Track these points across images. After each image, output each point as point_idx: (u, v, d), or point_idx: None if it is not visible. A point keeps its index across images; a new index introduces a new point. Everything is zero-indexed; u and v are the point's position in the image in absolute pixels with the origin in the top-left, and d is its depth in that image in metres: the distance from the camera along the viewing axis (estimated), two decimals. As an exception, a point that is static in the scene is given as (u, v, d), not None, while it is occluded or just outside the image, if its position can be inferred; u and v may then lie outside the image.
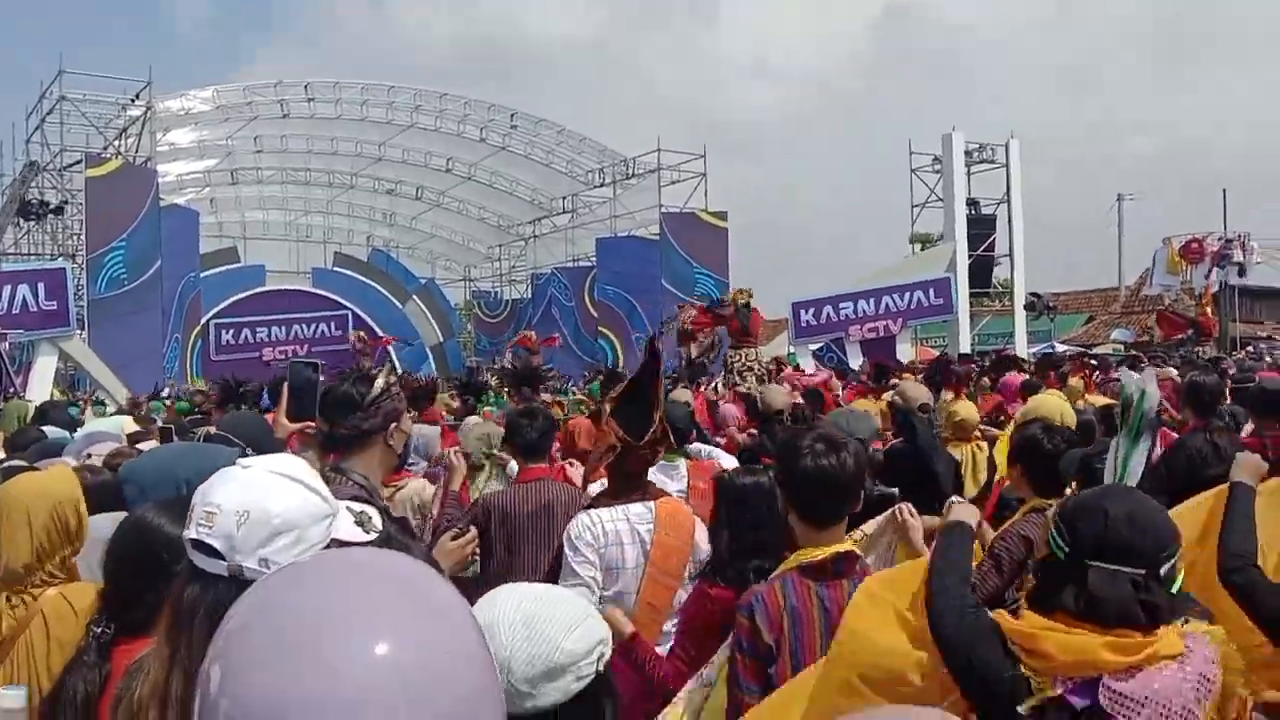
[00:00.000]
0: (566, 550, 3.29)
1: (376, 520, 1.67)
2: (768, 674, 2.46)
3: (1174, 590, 1.84)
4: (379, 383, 2.82)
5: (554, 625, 1.37)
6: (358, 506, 1.68)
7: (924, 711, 0.98)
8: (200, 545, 1.44)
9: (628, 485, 3.35)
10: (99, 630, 1.85)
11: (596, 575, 3.22)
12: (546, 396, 10.69)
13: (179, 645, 1.40)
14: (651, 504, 3.33)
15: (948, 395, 7.50)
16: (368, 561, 1.00)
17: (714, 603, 2.97)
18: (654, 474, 4.39)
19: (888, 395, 7.29)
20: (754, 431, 6.38)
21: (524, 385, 8.27)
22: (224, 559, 1.42)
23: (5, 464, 3.97)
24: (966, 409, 6.40)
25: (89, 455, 3.90)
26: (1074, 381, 9.39)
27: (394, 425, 2.86)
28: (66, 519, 2.40)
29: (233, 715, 0.82)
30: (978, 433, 6.13)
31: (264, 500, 1.44)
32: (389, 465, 2.99)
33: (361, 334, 25.23)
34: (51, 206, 22.77)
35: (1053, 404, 5.07)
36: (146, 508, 1.98)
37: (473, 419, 6.65)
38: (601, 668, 1.39)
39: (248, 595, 0.93)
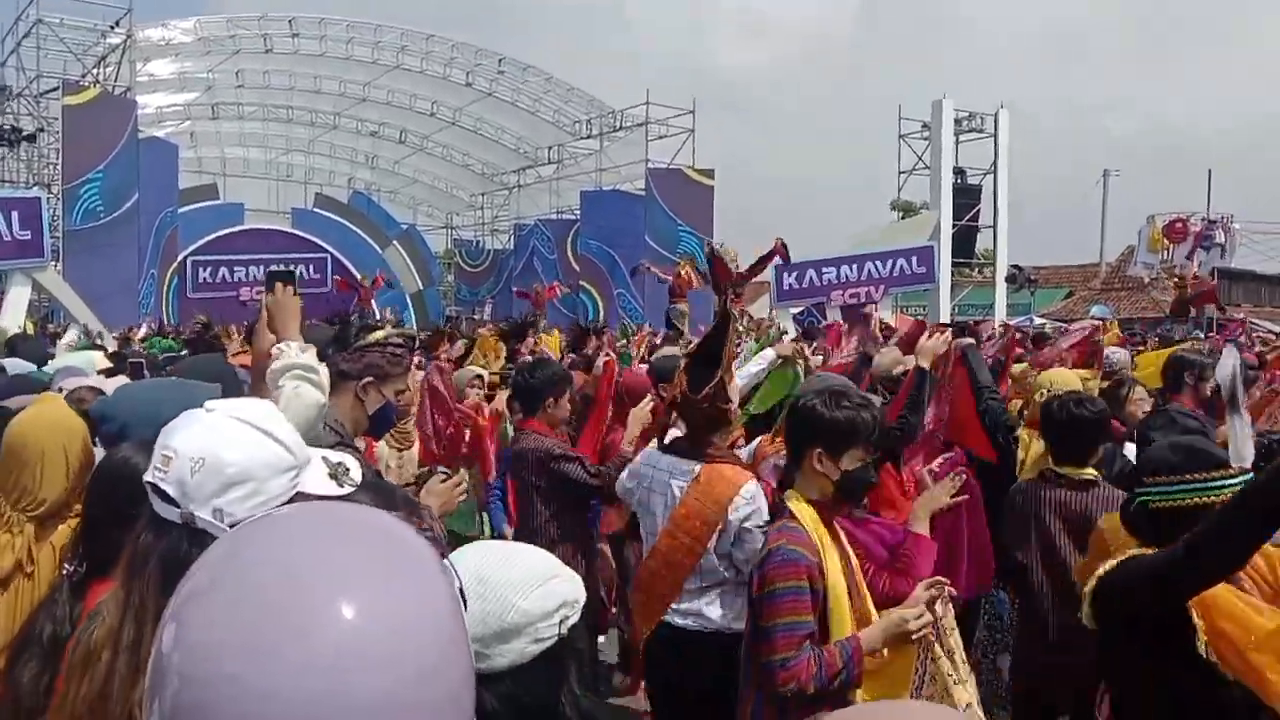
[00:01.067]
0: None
1: (355, 473, 1.62)
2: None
3: None
4: (377, 334, 2.76)
5: (509, 585, 1.32)
6: (335, 457, 1.62)
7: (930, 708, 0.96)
8: (157, 490, 1.40)
9: (701, 441, 3.43)
10: (70, 570, 1.81)
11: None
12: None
13: (133, 592, 1.37)
14: (697, 466, 3.35)
15: None
16: (336, 517, 0.95)
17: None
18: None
19: None
20: None
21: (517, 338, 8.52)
22: (177, 505, 1.37)
23: None
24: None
25: (60, 390, 3.81)
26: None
27: (370, 380, 2.75)
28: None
29: (186, 678, 0.77)
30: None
31: (221, 448, 1.38)
32: (359, 421, 2.84)
33: (365, 278, 24.73)
34: (25, 133, 22.28)
35: (1071, 377, 4.99)
36: (126, 446, 1.93)
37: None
38: (565, 631, 1.34)
39: (209, 552, 0.88)
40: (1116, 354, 6.96)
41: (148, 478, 1.42)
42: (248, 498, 1.37)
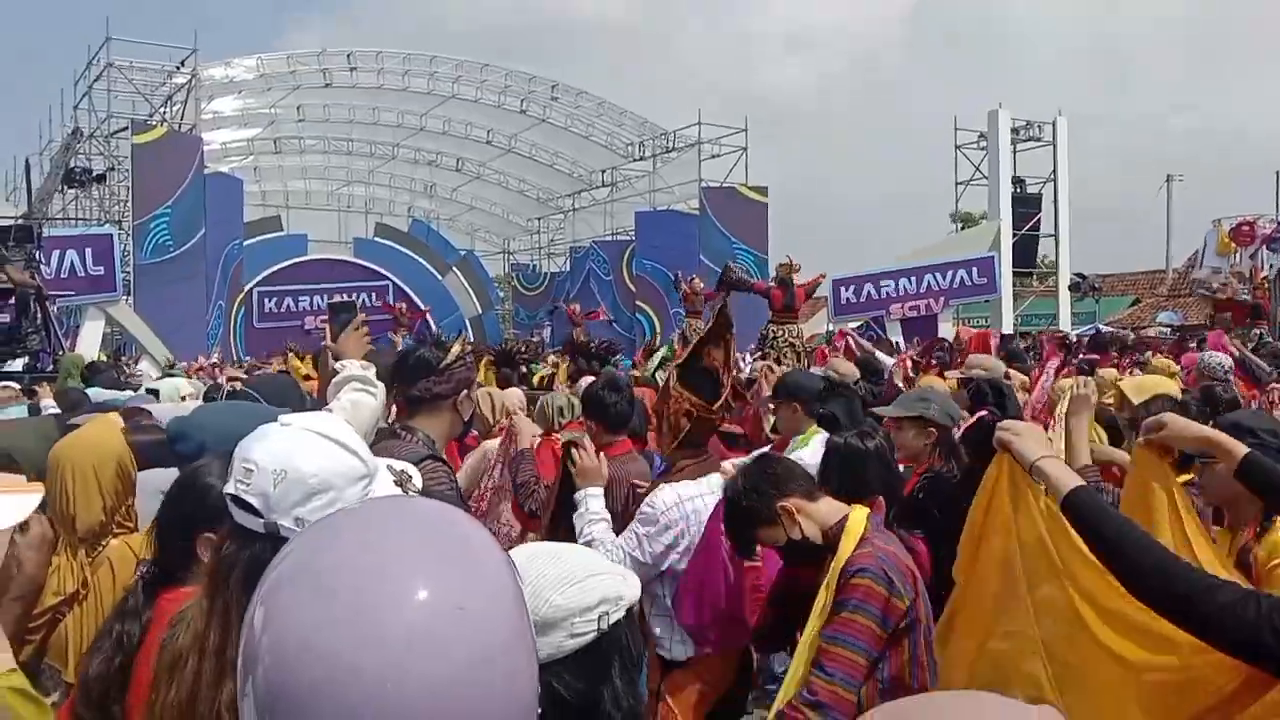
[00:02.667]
0: (638, 520, 3.19)
1: (417, 480, 1.68)
2: (889, 638, 2.35)
3: None
4: (454, 350, 2.97)
5: (544, 580, 1.36)
6: (399, 465, 1.68)
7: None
8: (239, 501, 1.46)
9: (697, 458, 3.30)
10: (145, 575, 1.88)
11: (653, 551, 3.12)
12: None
13: (218, 598, 1.42)
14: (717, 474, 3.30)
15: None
16: (408, 509, 1.01)
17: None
18: (814, 448, 4.41)
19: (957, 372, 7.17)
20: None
21: (584, 357, 8.58)
22: (261, 516, 1.43)
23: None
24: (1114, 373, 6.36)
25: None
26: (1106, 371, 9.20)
27: (464, 392, 2.97)
28: (128, 469, 2.45)
29: (276, 655, 0.83)
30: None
31: (301, 460, 1.44)
32: (455, 430, 3.09)
33: (402, 306, 25.36)
34: (95, 174, 22.96)
35: (1166, 382, 4.91)
36: (205, 460, 2.00)
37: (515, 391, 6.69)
38: (605, 627, 1.37)
39: (291, 543, 0.94)
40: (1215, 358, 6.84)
41: (228, 489, 1.48)
42: (327, 506, 1.42)
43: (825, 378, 5.80)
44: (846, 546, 2.45)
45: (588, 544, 3.12)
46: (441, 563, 0.88)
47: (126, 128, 21.83)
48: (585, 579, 1.40)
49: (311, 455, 1.46)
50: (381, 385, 2.76)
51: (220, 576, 1.44)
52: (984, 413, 3.75)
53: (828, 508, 2.58)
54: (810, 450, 4.38)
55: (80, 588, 2.39)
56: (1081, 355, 10.04)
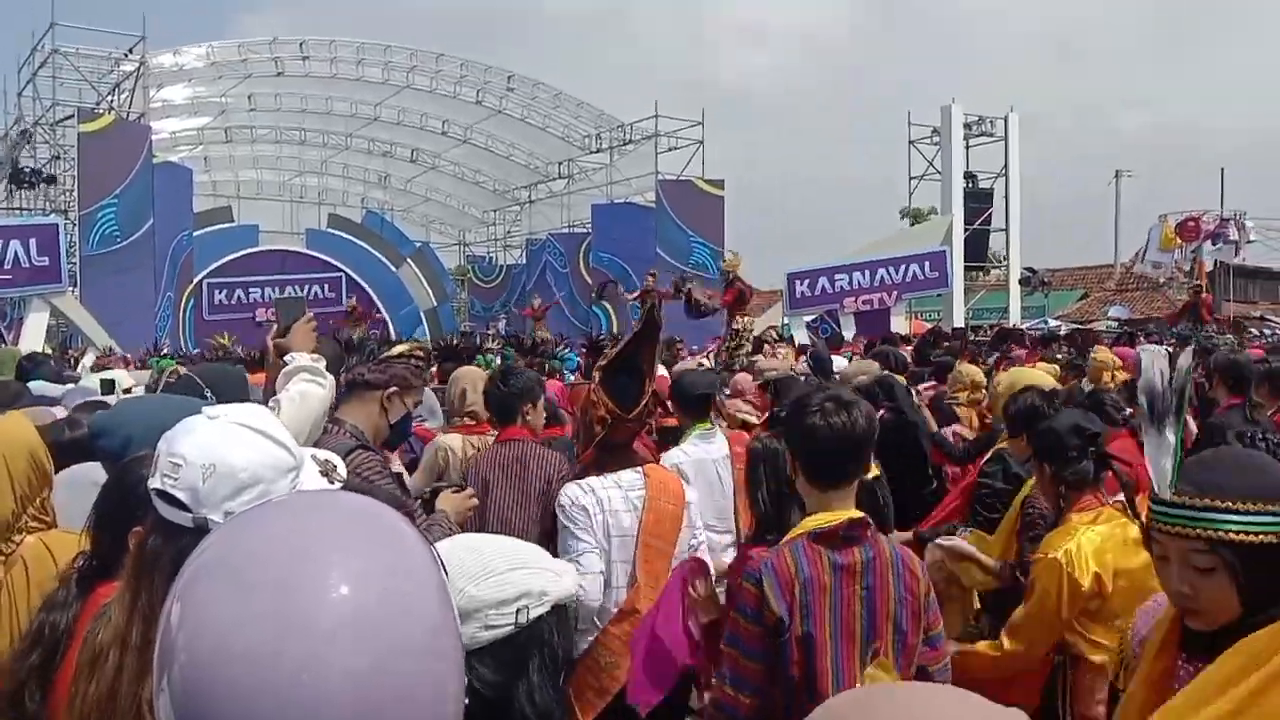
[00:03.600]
0: (562, 521, 3.18)
1: (341, 469, 1.67)
2: (776, 643, 2.39)
3: None
4: (400, 347, 2.87)
5: (461, 570, 1.35)
6: (323, 455, 1.67)
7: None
8: (165, 496, 1.43)
9: (614, 459, 3.25)
10: (80, 568, 1.85)
11: (598, 540, 3.12)
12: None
13: (140, 592, 1.40)
14: (641, 470, 3.27)
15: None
16: (328, 501, 1.00)
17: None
18: (694, 443, 4.40)
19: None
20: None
21: (528, 354, 8.55)
22: (189, 510, 1.41)
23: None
24: (975, 371, 6.47)
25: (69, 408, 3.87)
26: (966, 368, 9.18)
27: (395, 390, 2.85)
28: (42, 461, 2.41)
29: (192, 652, 0.82)
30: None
31: (230, 454, 1.42)
32: (380, 429, 2.91)
33: (354, 300, 25.08)
34: (45, 175, 22.39)
35: (1037, 375, 4.99)
36: (137, 455, 1.97)
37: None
38: (525, 621, 1.36)
39: (209, 537, 0.93)
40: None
41: (154, 484, 1.46)
42: (258, 499, 1.40)
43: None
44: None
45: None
46: (364, 554, 0.87)
47: (73, 116, 21.40)
48: (506, 572, 1.39)
49: (240, 449, 1.44)
50: (330, 376, 2.71)
51: (143, 571, 1.42)
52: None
53: None
54: (680, 448, 4.43)
55: None
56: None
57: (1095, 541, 2.86)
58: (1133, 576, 2.79)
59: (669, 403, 4.67)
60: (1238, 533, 1.59)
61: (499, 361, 8.94)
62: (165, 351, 17.46)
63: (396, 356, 2.88)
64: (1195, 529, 1.63)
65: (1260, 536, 1.59)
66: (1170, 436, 1.71)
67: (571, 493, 3.20)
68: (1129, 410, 5.09)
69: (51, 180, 22.09)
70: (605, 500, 3.17)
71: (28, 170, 22.15)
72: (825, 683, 2.38)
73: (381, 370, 2.84)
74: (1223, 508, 1.61)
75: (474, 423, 4.64)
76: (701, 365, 10.88)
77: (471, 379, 4.80)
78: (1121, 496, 2.83)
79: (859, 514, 2.51)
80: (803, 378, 6.99)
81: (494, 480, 3.79)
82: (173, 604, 0.86)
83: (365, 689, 0.81)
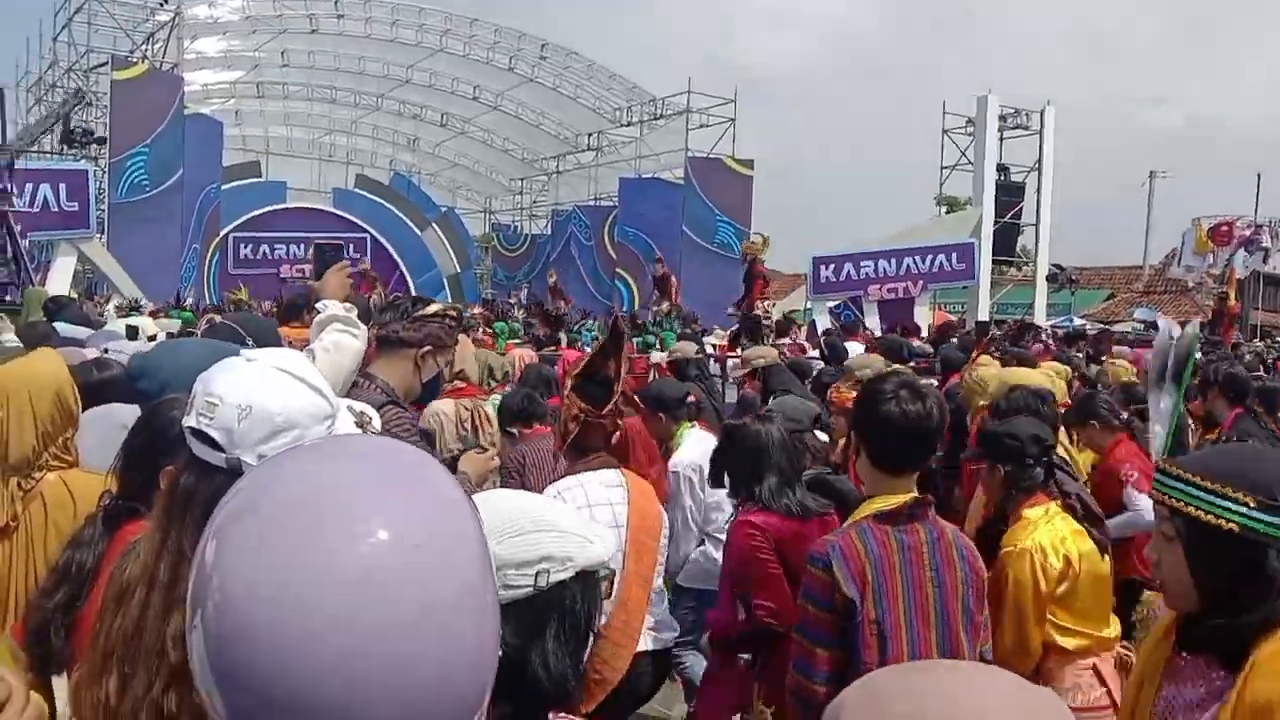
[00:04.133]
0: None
1: (376, 422, 1.66)
2: (848, 627, 2.39)
3: None
4: (434, 306, 2.85)
5: (486, 527, 1.33)
6: (358, 406, 1.66)
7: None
8: (200, 435, 1.42)
9: (590, 454, 3.30)
10: (107, 506, 1.85)
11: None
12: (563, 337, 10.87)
13: (170, 530, 1.40)
14: (619, 470, 3.31)
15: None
16: (369, 447, 0.98)
17: (763, 532, 3.07)
18: (691, 443, 4.48)
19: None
20: None
21: (549, 326, 8.78)
22: (223, 451, 1.39)
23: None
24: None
25: (105, 350, 3.89)
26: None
27: (429, 349, 2.85)
28: (68, 401, 2.41)
29: (226, 593, 0.80)
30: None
31: (267, 397, 1.41)
32: (413, 387, 2.91)
33: (368, 265, 25.01)
34: (95, 136, 22.14)
35: (1022, 374, 4.96)
36: (169, 397, 1.96)
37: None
38: (545, 585, 1.33)
39: (247, 477, 0.92)
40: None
41: (189, 423, 1.45)
42: (292, 445, 1.39)
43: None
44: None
45: None
46: (400, 501, 0.85)
47: (106, 63, 21.42)
48: (531, 533, 1.36)
49: (277, 392, 1.43)
50: (363, 326, 2.70)
51: (174, 510, 1.41)
52: None
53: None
54: (687, 446, 4.53)
55: (10, 520, 2.35)
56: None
57: (1055, 530, 3.05)
58: (1090, 560, 3.02)
59: (656, 414, 4.82)
60: (1192, 507, 1.67)
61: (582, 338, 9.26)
62: (188, 302, 17.56)
63: (431, 315, 2.85)
64: (1164, 495, 1.73)
65: (1209, 517, 1.65)
66: (1168, 404, 1.79)
67: (560, 486, 3.26)
68: (1124, 414, 5.07)
69: (102, 142, 21.95)
70: (591, 495, 3.23)
71: (79, 130, 22.08)
72: (902, 659, 2.36)
73: (416, 328, 2.82)
74: (1188, 480, 1.69)
75: (464, 385, 4.72)
76: (714, 346, 10.94)
77: (460, 345, 4.86)
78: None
79: (921, 495, 2.53)
80: (818, 363, 7.00)
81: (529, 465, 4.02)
82: (208, 543, 0.84)
83: (400, 639, 0.79)
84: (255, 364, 1.47)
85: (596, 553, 1.40)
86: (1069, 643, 2.97)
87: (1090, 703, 2.92)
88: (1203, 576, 1.67)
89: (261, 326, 3.21)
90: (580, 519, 1.48)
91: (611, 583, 1.43)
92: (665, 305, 17.11)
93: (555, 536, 1.37)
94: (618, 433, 3.35)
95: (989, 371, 5.26)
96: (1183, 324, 1.78)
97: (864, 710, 0.88)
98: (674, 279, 19.58)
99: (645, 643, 3.17)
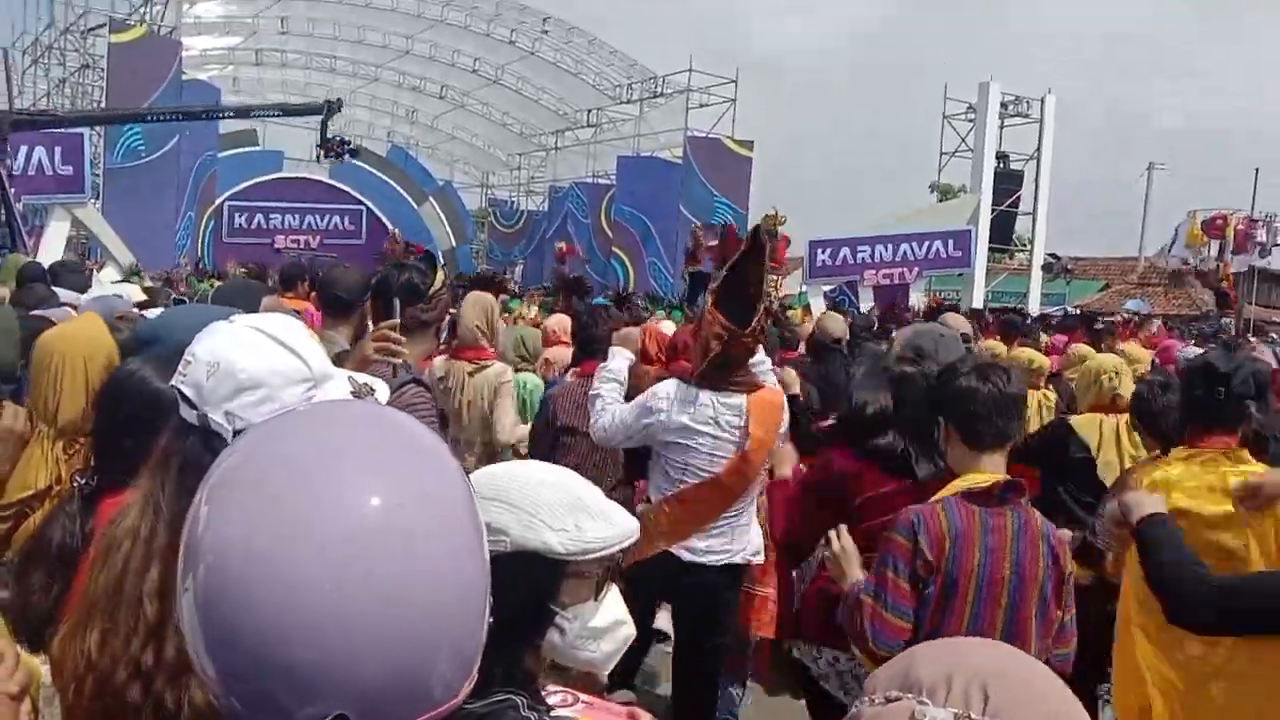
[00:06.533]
0: (645, 398, 3.46)
1: (381, 394, 1.65)
2: (923, 596, 2.42)
3: None
4: (439, 276, 2.98)
5: None
6: (361, 378, 1.65)
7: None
8: (180, 394, 1.44)
9: (726, 376, 3.40)
10: (83, 481, 1.84)
11: (661, 419, 3.40)
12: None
13: (152, 489, 1.41)
14: (744, 398, 3.41)
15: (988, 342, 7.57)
16: (363, 412, 1.00)
17: (838, 474, 3.10)
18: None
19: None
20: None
21: (574, 293, 9.29)
22: (195, 408, 1.41)
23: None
24: (1031, 354, 6.31)
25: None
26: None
27: (447, 317, 3.16)
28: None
29: (218, 555, 0.82)
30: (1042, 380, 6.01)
31: (235, 354, 1.42)
32: (429, 353, 3.27)
33: (397, 235, 24.92)
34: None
35: (1111, 362, 4.90)
36: (134, 360, 1.95)
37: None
38: (495, 550, 1.21)
39: (243, 437, 0.93)
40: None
41: (172, 382, 1.46)
42: (259, 403, 1.39)
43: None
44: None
45: (595, 396, 3.65)
46: (395, 466, 0.87)
47: (104, 25, 21.25)
48: (484, 499, 1.25)
49: (247, 351, 1.43)
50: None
51: (155, 466, 1.43)
52: None
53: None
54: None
55: (54, 483, 2.36)
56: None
57: None
58: None
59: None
60: None
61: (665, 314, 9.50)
62: (206, 273, 17.49)
63: (441, 289, 3.08)
64: None
65: None
66: None
67: (670, 386, 3.47)
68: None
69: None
70: (706, 404, 3.41)
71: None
72: (958, 632, 2.36)
73: (433, 307, 3.07)
74: None
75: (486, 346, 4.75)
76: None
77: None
78: None
79: (1013, 478, 2.51)
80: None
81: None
82: (201, 507, 0.85)
83: (390, 604, 0.81)
84: (234, 325, 1.49)
85: (546, 539, 1.31)
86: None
87: None
88: None
89: (239, 293, 3.31)
90: (559, 504, 1.35)
91: (599, 584, 1.38)
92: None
93: (503, 509, 1.32)
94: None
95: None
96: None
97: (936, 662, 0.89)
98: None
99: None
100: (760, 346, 3.50)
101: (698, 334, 3.41)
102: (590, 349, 4.54)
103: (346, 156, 20.37)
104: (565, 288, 10.93)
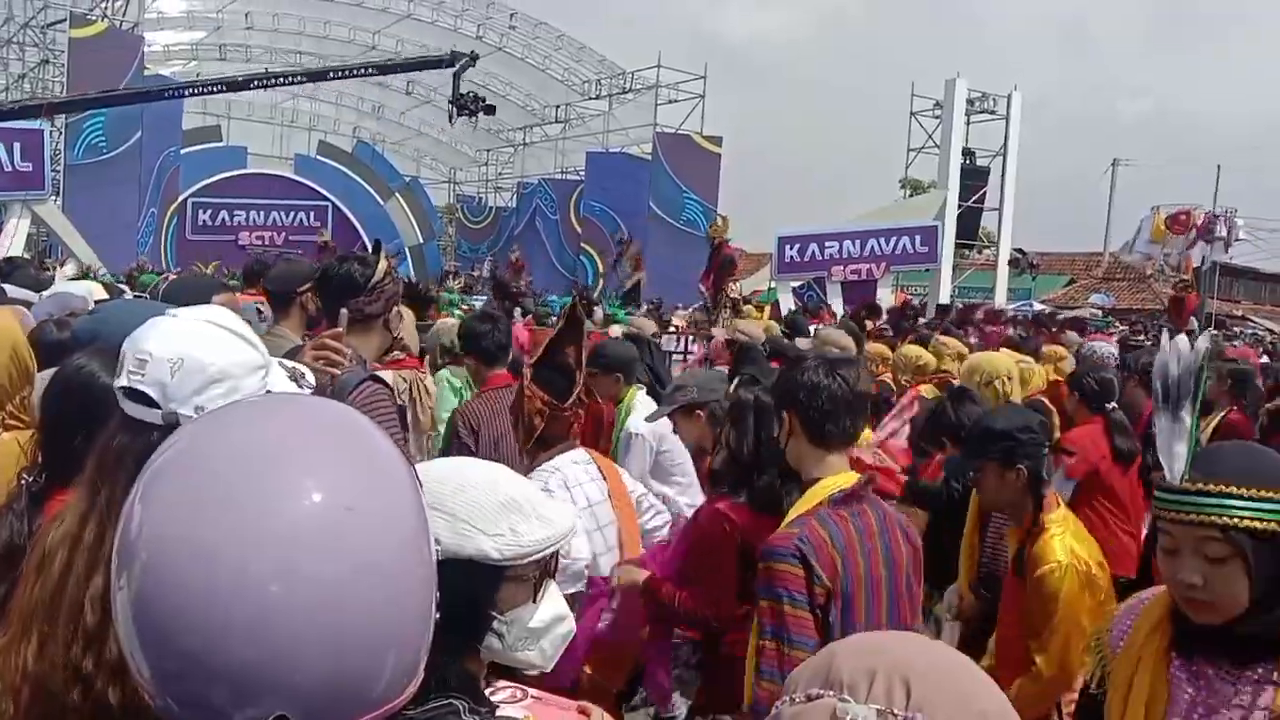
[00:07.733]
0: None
1: (310, 377, 1.65)
2: (827, 623, 2.25)
3: None
4: (381, 266, 2.86)
5: None
6: (290, 363, 1.65)
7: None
8: (132, 394, 1.40)
9: (555, 448, 3.21)
10: (30, 479, 1.79)
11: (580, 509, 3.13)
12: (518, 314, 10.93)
13: (100, 492, 1.37)
14: (580, 447, 3.28)
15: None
16: (304, 406, 0.97)
17: (732, 524, 2.89)
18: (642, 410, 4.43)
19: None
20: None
21: (505, 299, 8.68)
22: (158, 407, 1.38)
23: None
24: (916, 351, 6.46)
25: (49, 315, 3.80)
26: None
27: (395, 309, 2.96)
28: (24, 359, 2.36)
29: (154, 553, 0.79)
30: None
31: (198, 348, 1.41)
32: (383, 347, 3.09)
33: (327, 238, 24.43)
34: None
35: (1002, 363, 4.80)
36: (80, 355, 1.91)
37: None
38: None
39: (176, 434, 0.90)
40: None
41: (120, 383, 1.43)
42: (226, 395, 1.38)
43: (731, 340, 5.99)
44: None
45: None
46: (338, 461, 0.85)
47: (64, 19, 20.93)
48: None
49: (208, 344, 1.42)
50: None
51: (105, 470, 1.39)
52: None
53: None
54: (640, 409, 4.45)
55: None
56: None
57: (1078, 536, 2.86)
58: (1104, 566, 2.85)
59: (610, 374, 4.64)
60: (1251, 519, 1.57)
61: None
62: (149, 268, 17.25)
63: (384, 279, 2.91)
64: (1210, 515, 1.59)
65: (1269, 524, 1.57)
66: (1186, 420, 1.68)
67: (541, 474, 3.17)
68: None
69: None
70: (571, 476, 3.18)
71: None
72: None
73: (377, 298, 2.90)
74: (1237, 494, 1.58)
75: (404, 357, 4.71)
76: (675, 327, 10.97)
77: (401, 318, 4.88)
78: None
79: (861, 475, 2.46)
80: (784, 339, 7.03)
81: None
82: (135, 502, 0.83)
83: (334, 599, 0.79)
84: (182, 319, 1.47)
85: (482, 545, 1.29)
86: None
87: None
88: (1265, 585, 1.58)
89: (196, 289, 3.24)
90: (487, 507, 1.34)
91: (537, 585, 1.35)
92: (638, 277, 16.96)
93: (434, 515, 1.27)
94: (578, 424, 3.29)
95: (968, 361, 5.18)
96: (1190, 333, 1.70)
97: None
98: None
99: None
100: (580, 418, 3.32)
101: (518, 408, 3.23)
102: (487, 357, 4.35)
103: (480, 115, 18.96)
104: (496, 289, 10.91)
